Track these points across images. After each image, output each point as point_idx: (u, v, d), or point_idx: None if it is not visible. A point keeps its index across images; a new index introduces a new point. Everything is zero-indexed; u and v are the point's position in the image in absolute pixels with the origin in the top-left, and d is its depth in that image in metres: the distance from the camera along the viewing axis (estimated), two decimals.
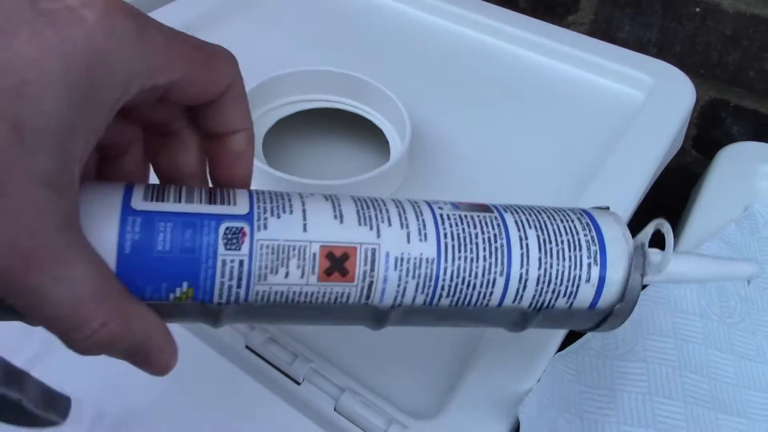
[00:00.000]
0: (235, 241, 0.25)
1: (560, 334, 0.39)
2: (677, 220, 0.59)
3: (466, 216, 0.28)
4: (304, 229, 0.26)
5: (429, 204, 0.29)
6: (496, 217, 0.29)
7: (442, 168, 0.50)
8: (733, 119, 0.70)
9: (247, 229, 0.25)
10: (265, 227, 0.26)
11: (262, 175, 0.46)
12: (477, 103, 0.56)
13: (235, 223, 0.25)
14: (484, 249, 0.28)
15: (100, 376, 0.37)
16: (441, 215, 0.28)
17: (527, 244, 0.28)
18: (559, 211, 0.31)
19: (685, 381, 0.41)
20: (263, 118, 0.52)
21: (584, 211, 0.31)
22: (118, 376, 0.37)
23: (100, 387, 0.37)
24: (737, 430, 0.40)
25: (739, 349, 0.44)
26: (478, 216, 0.29)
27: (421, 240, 0.27)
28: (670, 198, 0.68)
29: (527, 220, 0.29)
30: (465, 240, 0.28)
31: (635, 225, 0.48)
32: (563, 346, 0.39)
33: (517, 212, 0.30)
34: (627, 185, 0.48)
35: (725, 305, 0.45)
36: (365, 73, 0.52)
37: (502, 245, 0.28)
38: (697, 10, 0.66)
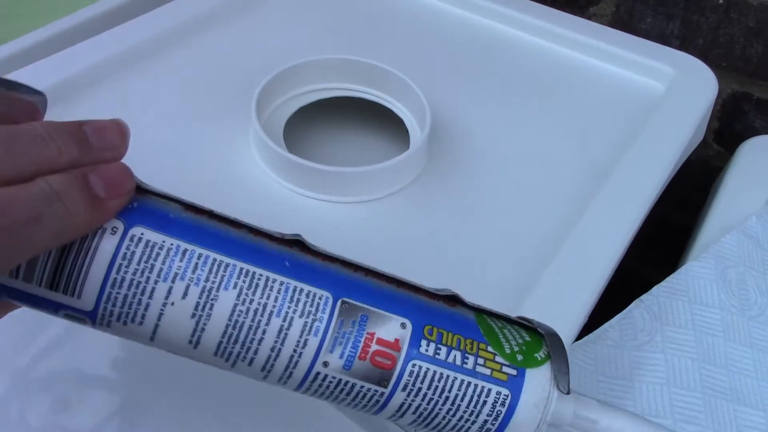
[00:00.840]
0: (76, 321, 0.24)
1: (577, 324, 0.39)
2: (698, 214, 0.58)
3: (347, 383, 0.25)
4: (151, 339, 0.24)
5: (316, 355, 0.25)
6: (381, 394, 0.25)
7: (460, 158, 0.50)
8: (756, 112, 0.69)
9: (88, 321, 0.24)
10: (108, 326, 0.24)
11: (282, 162, 0.46)
12: (496, 93, 0.56)
13: (75, 313, 0.23)
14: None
15: (124, 359, 0.38)
16: (317, 374, 0.25)
17: None
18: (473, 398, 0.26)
19: (704, 373, 0.41)
20: (283, 106, 0.52)
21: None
22: (140, 359, 0.38)
23: (123, 369, 0.37)
24: (755, 422, 0.39)
25: (759, 342, 0.43)
26: (361, 387, 0.25)
27: (279, 383, 0.26)
28: (690, 191, 0.68)
29: (416, 406, 0.26)
30: (324, 396, 0.26)
31: (654, 221, 0.48)
32: (580, 336, 0.39)
33: (415, 394, 0.25)
34: (647, 177, 0.47)
35: (745, 298, 0.45)
36: (384, 62, 0.52)
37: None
38: (721, 2, 0.65)
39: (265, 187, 0.47)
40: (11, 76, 0.49)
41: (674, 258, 0.54)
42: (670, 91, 0.55)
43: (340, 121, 0.57)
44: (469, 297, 0.40)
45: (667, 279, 0.45)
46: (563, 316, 0.39)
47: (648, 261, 0.66)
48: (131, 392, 0.37)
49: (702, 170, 0.73)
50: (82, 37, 0.56)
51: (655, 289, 0.44)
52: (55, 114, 0.50)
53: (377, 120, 0.55)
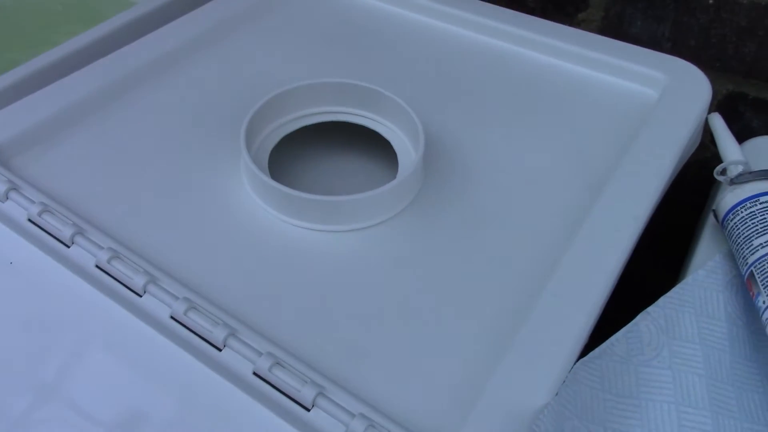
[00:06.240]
0: None
1: (579, 343, 0.38)
2: (698, 217, 0.57)
3: None
4: None
5: None
6: None
7: (453, 178, 0.49)
8: (752, 112, 0.68)
9: None
10: None
11: (268, 191, 0.45)
12: (488, 108, 0.55)
13: None
14: None
15: (119, 404, 0.37)
16: None
17: None
18: None
19: (712, 390, 0.39)
20: (273, 134, 0.51)
21: None
22: (132, 398, 0.37)
23: (115, 416, 0.36)
24: None
25: (765, 357, 0.42)
26: None
27: None
28: (690, 195, 0.67)
29: None
30: None
31: (654, 223, 0.47)
32: (586, 350, 0.38)
33: None
34: (643, 187, 0.46)
35: (751, 310, 0.44)
36: (373, 81, 0.51)
37: None
38: (711, 2, 0.64)
39: (259, 218, 0.46)
40: None
41: (678, 260, 0.53)
42: (662, 98, 0.54)
43: (329, 145, 0.56)
44: (467, 320, 0.39)
45: (674, 289, 0.44)
46: (564, 337, 0.37)
47: (651, 264, 0.65)
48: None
49: (700, 172, 0.71)
50: (55, 77, 0.55)
51: (662, 300, 0.43)
52: (33, 157, 0.49)
53: (367, 142, 0.54)
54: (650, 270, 0.65)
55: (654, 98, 0.55)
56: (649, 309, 0.42)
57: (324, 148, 0.56)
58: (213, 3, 0.64)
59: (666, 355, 0.40)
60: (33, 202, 0.43)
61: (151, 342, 0.39)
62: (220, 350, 0.37)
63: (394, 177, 0.49)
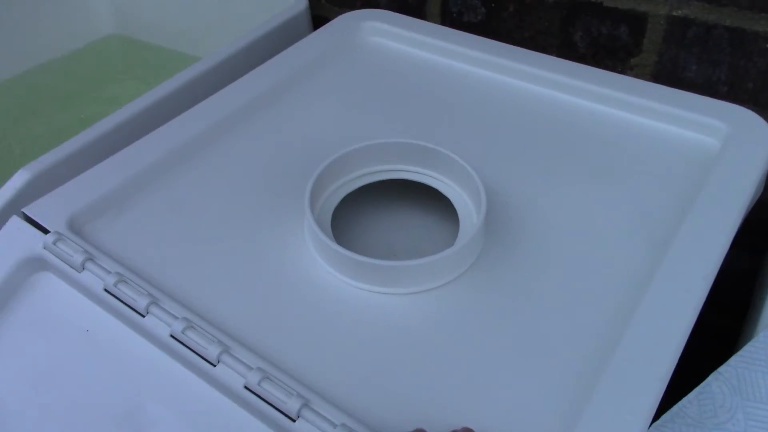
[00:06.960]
0: None
1: (652, 409, 0.37)
2: (759, 259, 0.56)
3: None
4: None
5: None
6: None
7: (515, 237, 0.49)
8: None
9: None
10: None
11: (331, 254, 0.46)
12: (545, 161, 0.55)
13: None
14: None
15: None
16: None
17: None
18: None
19: None
20: (335, 194, 0.52)
21: None
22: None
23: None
24: None
25: None
26: None
27: None
28: (751, 235, 0.65)
29: None
30: None
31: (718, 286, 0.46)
32: (659, 410, 0.37)
33: None
34: (710, 246, 0.45)
35: None
36: (432, 137, 0.52)
37: None
38: None
39: (322, 280, 0.46)
40: (45, 198, 0.50)
41: (735, 300, 0.51)
42: (725, 148, 0.53)
43: (388, 199, 0.56)
44: (532, 389, 0.39)
45: (745, 347, 0.43)
46: (637, 406, 0.37)
47: (708, 304, 0.64)
48: None
49: (762, 212, 0.70)
50: (121, 138, 0.57)
51: (733, 359, 0.42)
52: (104, 223, 0.50)
53: (425, 196, 0.55)
54: (707, 309, 0.64)
55: (715, 148, 0.54)
56: (721, 369, 0.42)
57: (383, 203, 0.56)
58: (271, 62, 0.65)
59: (741, 417, 0.40)
60: (109, 272, 0.44)
61: (227, 411, 0.39)
62: (294, 421, 0.37)
63: (453, 230, 0.49)
